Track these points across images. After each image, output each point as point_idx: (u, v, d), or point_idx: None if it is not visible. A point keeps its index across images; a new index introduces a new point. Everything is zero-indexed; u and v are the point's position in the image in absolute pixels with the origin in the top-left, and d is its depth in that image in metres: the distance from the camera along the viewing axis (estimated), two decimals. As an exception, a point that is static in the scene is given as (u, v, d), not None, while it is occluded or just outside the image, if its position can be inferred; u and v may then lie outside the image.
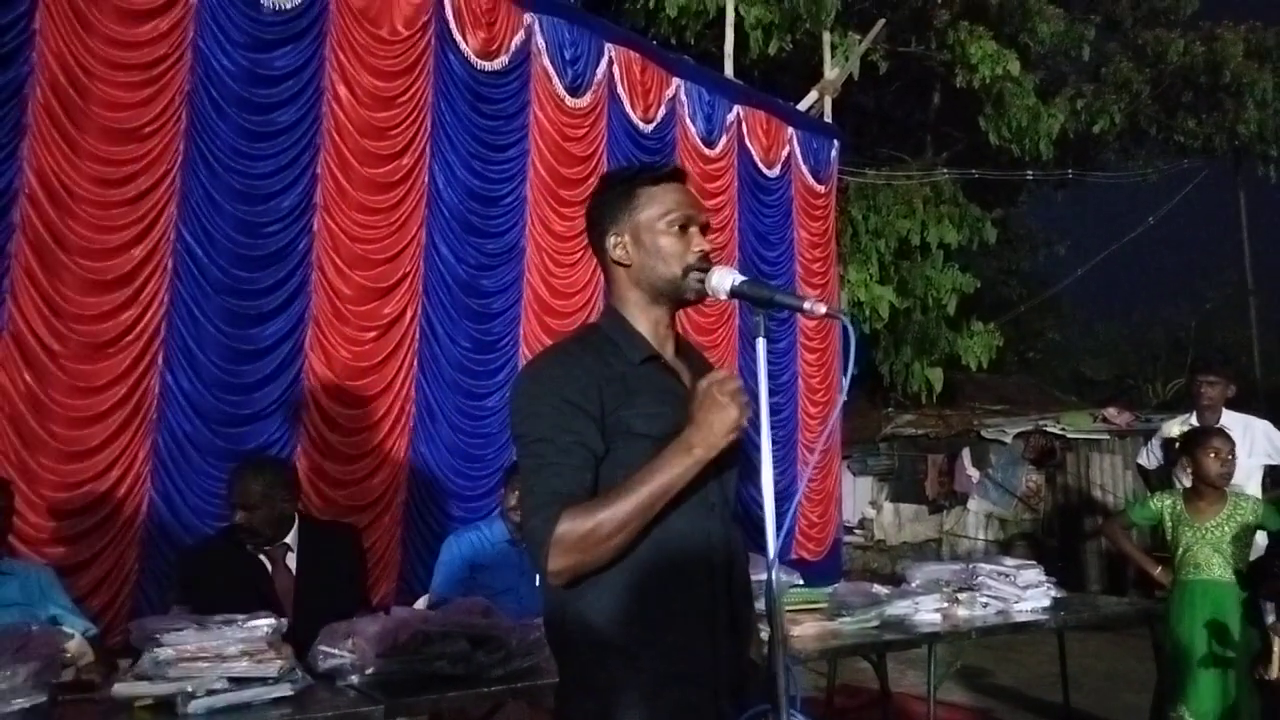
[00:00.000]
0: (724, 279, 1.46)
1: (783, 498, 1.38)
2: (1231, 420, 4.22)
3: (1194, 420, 4.33)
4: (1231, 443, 3.48)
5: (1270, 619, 3.67)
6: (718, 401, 1.37)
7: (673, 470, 1.36)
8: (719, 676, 1.42)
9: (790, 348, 7.19)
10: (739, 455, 1.56)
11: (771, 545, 1.33)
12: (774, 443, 1.42)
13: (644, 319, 1.53)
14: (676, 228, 1.51)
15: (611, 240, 1.54)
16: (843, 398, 1.63)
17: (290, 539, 3.02)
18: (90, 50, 4.01)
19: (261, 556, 2.97)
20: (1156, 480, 4.55)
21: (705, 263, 1.50)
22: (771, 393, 1.41)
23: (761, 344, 1.42)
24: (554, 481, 1.38)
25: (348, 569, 3.09)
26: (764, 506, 1.35)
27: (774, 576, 1.34)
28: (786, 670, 1.32)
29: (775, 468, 1.39)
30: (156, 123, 4.17)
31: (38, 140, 3.87)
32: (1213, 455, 3.42)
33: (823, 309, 1.40)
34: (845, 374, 1.48)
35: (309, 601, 2.87)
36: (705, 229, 1.55)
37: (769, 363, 1.40)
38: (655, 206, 1.51)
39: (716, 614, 1.43)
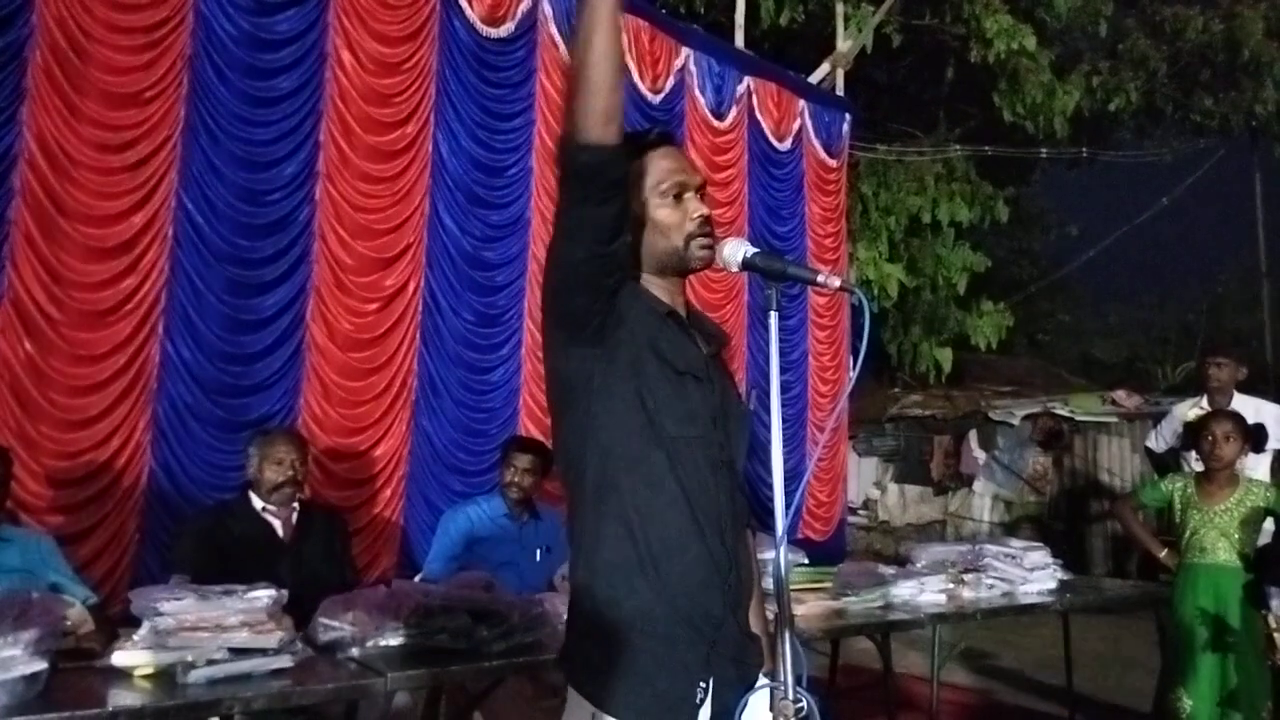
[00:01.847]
0: (735, 251, 1.42)
1: (791, 477, 1.35)
2: (1242, 404, 4.15)
3: (1204, 404, 4.27)
4: (1230, 425, 3.43)
5: (1275, 603, 3.65)
6: None
7: None
8: (717, 628, 1.40)
9: (801, 325, 7.13)
10: (747, 420, 1.54)
11: (780, 523, 1.32)
12: (784, 421, 1.38)
13: (655, 290, 1.50)
14: (670, 197, 1.46)
15: None
16: (854, 375, 1.59)
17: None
18: (90, 13, 3.95)
19: (268, 517, 3.07)
20: (1164, 464, 4.51)
21: (706, 227, 1.46)
22: (782, 370, 1.37)
23: (774, 318, 1.39)
24: None
25: (334, 551, 3.19)
26: (773, 485, 1.33)
27: (782, 554, 1.32)
28: (793, 648, 1.30)
29: (785, 446, 1.35)
30: (157, 87, 4.12)
31: (37, 104, 3.83)
32: (1207, 438, 3.40)
33: (836, 282, 1.38)
34: (859, 350, 1.44)
35: (299, 576, 2.89)
36: (702, 191, 1.50)
37: (780, 339, 1.36)
38: (645, 179, 1.46)
39: (724, 566, 1.42)
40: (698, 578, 1.39)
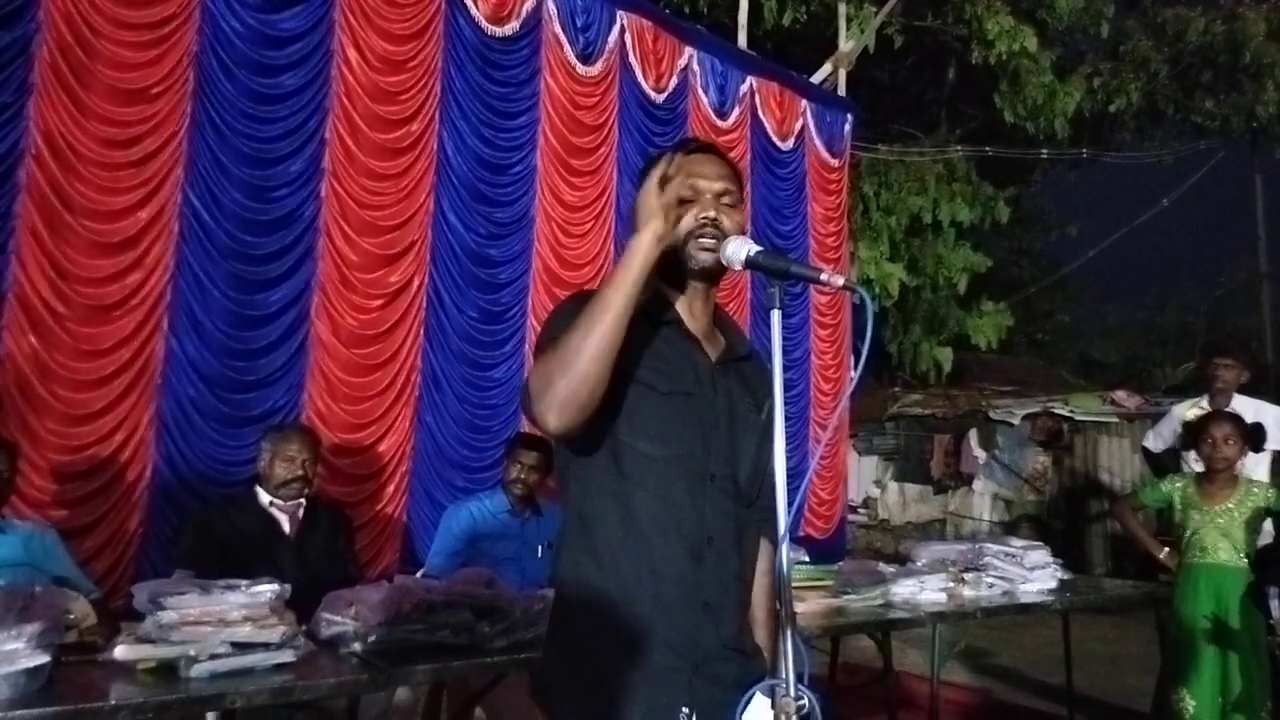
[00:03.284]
0: (739, 249, 1.40)
1: (793, 475, 1.35)
2: (1242, 405, 4.16)
3: (1205, 404, 4.28)
4: (1230, 427, 3.44)
5: (1274, 603, 3.66)
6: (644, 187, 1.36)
7: (623, 260, 1.32)
8: (696, 650, 1.38)
9: (803, 324, 7.14)
10: (754, 430, 1.50)
11: (783, 521, 1.30)
12: (786, 419, 1.38)
13: (673, 295, 1.49)
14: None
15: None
16: (856, 373, 1.58)
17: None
18: (97, 8, 3.96)
19: (274, 511, 3.09)
20: (1161, 464, 4.52)
21: (710, 228, 1.42)
22: (785, 368, 1.37)
23: (776, 316, 1.37)
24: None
25: (338, 547, 3.21)
26: (775, 483, 1.32)
27: (784, 553, 1.32)
28: (795, 646, 1.29)
29: (787, 444, 1.35)
30: (164, 84, 4.12)
31: (44, 100, 3.83)
32: (1208, 440, 3.41)
33: (840, 281, 1.35)
34: (862, 348, 1.43)
35: (302, 571, 2.91)
36: (724, 197, 1.47)
37: (782, 338, 1.36)
38: None
39: (701, 585, 1.40)
40: (677, 602, 1.38)
